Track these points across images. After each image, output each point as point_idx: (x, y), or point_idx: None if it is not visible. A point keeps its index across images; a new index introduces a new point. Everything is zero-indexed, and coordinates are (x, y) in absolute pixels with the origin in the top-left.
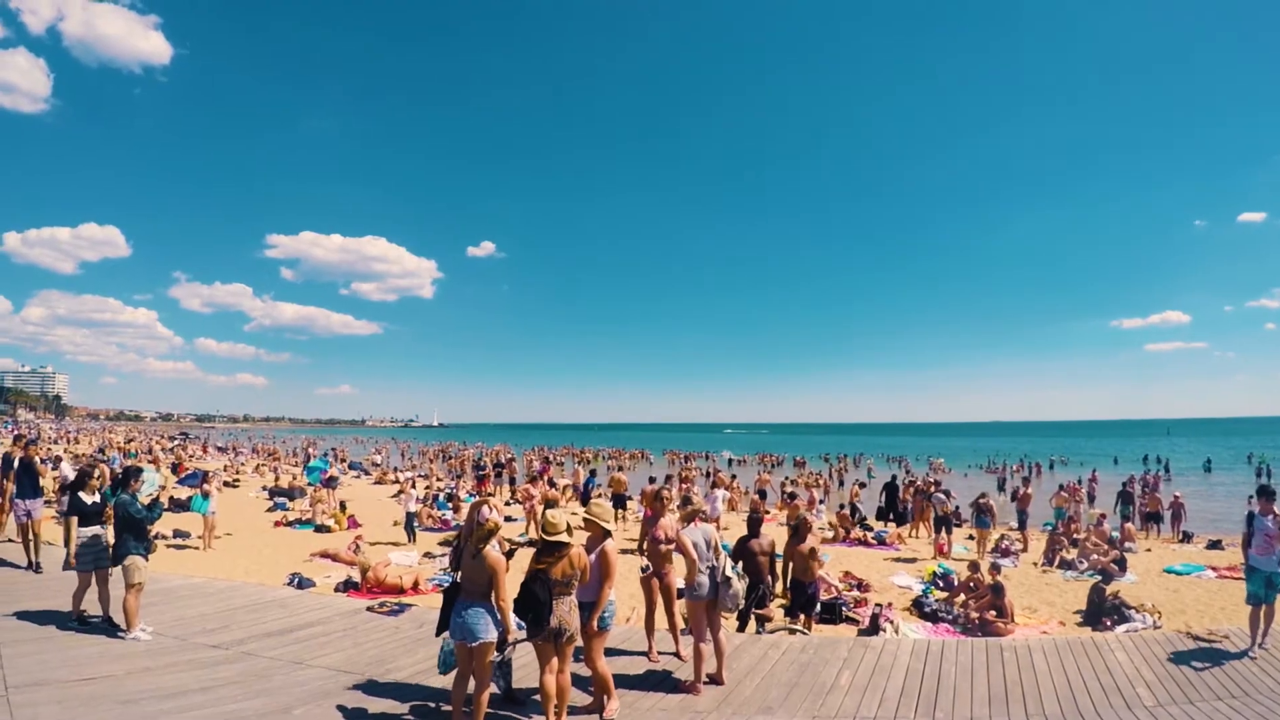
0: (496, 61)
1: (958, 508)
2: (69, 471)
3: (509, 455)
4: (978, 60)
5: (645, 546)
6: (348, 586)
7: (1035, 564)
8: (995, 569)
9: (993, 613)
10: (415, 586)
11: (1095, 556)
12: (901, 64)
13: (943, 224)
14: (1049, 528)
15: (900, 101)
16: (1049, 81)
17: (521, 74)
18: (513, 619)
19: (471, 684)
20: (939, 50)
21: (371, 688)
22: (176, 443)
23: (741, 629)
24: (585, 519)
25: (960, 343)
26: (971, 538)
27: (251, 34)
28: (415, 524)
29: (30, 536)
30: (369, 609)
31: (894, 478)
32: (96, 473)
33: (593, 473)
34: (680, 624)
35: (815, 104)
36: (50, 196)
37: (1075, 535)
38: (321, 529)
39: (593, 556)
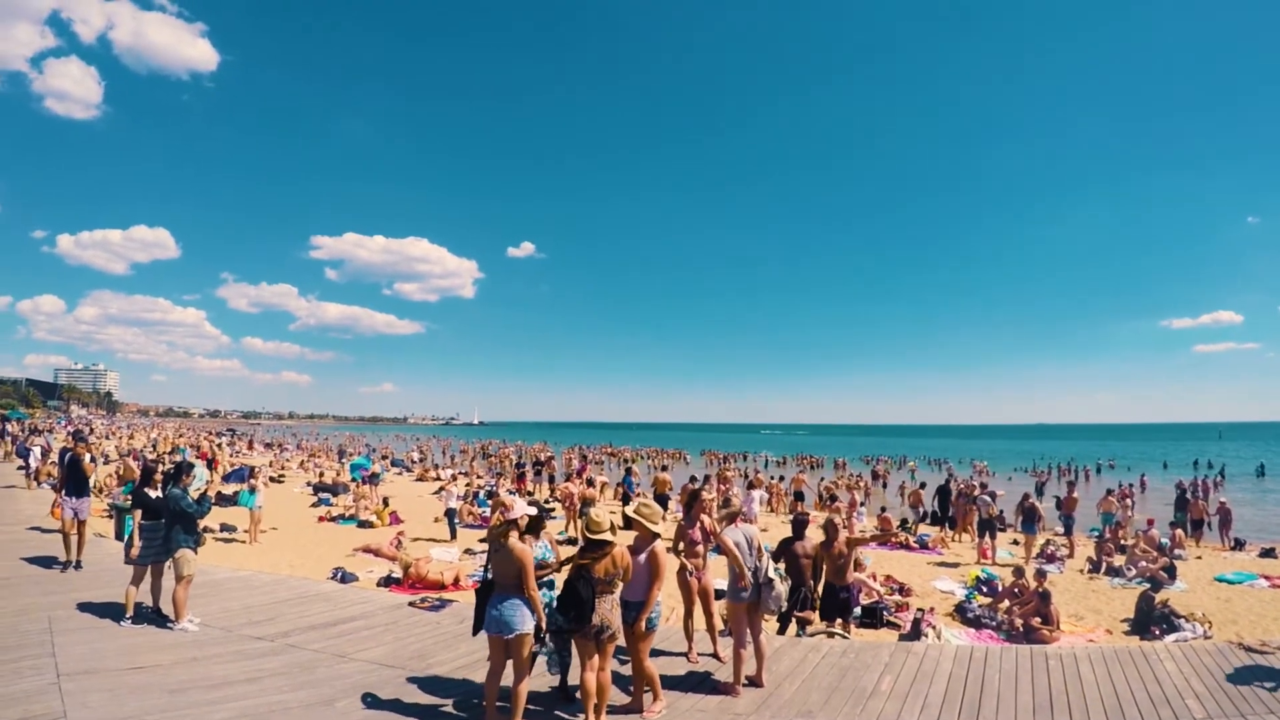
0: (537, 63)
1: (1001, 511)
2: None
3: (548, 454)
4: (1023, 57)
5: (681, 547)
6: (390, 582)
7: (1082, 570)
8: (1041, 575)
9: (1038, 619)
10: (456, 582)
11: (1144, 563)
12: (945, 65)
13: (987, 223)
14: (1096, 533)
15: (941, 102)
16: (1094, 77)
17: (562, 75)
18: (544, 609)
19: (509, 677)
20: (983, 50)
21: (413, 682)
22: (224, 438)
23: (781, 631)
24: (633, 519)
25: (1003, 344)
26: (1016, 542)
27: (295, 39)
28: (456, 521)
29: (74, 534)
30: (411, 604)
31: (947, 480)
32: (161, 468)
33: (628, 471)
34: (719, 625)
35: (852, 106)
36: (102, 200)
37: (1123, 541)
38: (364, 525)
39: (641, 557)
